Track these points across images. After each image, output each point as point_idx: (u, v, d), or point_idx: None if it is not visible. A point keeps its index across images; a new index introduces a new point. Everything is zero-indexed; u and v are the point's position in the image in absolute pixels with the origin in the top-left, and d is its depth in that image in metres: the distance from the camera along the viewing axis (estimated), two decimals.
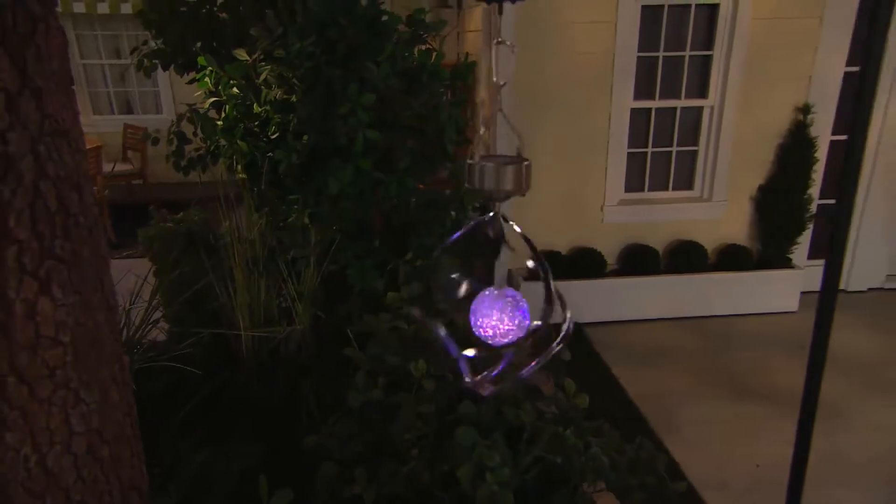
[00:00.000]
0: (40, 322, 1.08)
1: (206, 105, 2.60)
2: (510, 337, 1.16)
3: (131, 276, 2.42)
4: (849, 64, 4.45)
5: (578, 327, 4.35)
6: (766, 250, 4.65)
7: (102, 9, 7.00)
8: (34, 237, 1.05)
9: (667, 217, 4.60)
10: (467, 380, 1.16)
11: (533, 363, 1.10)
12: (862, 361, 3.93)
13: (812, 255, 4.90)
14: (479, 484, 1.51)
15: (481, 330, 1.15)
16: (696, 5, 4.21)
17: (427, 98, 2.52)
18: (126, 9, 6.81)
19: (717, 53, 4.31)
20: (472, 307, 1.17)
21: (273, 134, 2.55)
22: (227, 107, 2.58)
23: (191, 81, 3.08)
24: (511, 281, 4.58)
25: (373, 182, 2.38)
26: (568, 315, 1.15)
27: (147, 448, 1.44)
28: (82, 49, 7.64)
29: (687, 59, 4.33)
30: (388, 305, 1.94)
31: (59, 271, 1.10)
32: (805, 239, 4.69)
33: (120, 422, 1.28)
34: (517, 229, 1.15)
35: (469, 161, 1.04)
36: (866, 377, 3.75)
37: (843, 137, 4.67)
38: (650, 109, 4.43)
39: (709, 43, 4.31)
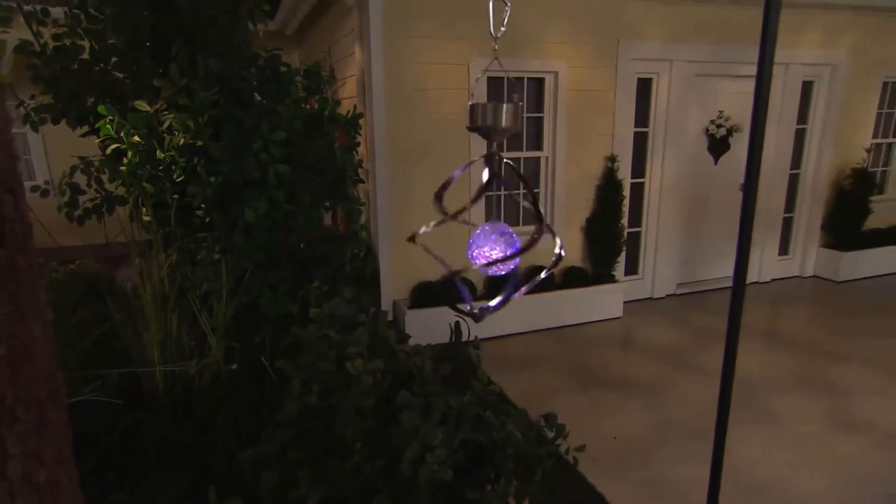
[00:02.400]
0: None
1: (109, 151, 2.33)
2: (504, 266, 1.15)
3: None
4: (636, 126, 5.09)
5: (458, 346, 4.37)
6: (596, 270, 5.02)
7: None
8: None
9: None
10: (470, 308, 1.13)
11: (524, 287, 1.09)
12: (667, 350, 4.36)
13: (627, 271, 5.41)
14: (419, 467, 1.43)
15: (477, 261, 1.13)
16: (528, 78, 4.60)
17: (325, 141, 2.47)
18: None
19: (547, 115, 4.71)
20: (470, 241, 1.14)
21: (178, 177, 2.34)
22: (130, 153, 2.33)
23: (84, 134, 2.75)
24: (396, 309, 4.51)
25: (283, 214, 2.25)
26: (559, 242, 1.17)
27: None
28: None
29: (525, 119, 4.68)
30: (313, 319, 1.81)
31: None
32: (622, 259, 5.16)
33: (57, 443, 1.05)
34: (510, 163, 1.17)
35: (470, 103, 1.04)
36: (672, 361, 4.16)
37: (640, 180, 5.28)
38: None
39: (540, 107, 4.71)
